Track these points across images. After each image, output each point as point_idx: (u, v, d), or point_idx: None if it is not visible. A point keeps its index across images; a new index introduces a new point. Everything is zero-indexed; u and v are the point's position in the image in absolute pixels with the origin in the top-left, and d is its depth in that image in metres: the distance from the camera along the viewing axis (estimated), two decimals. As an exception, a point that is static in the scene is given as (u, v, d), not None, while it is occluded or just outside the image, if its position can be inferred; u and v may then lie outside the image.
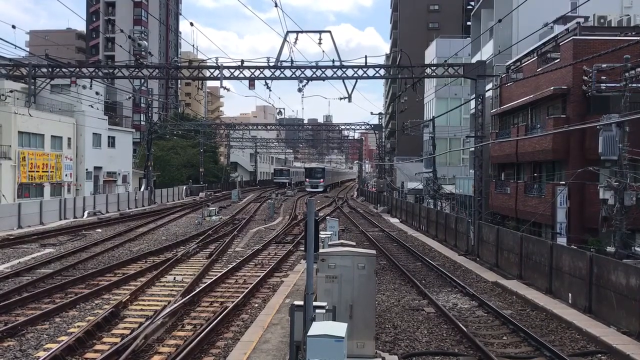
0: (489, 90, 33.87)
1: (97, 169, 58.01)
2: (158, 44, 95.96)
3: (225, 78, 27.68)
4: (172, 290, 17.77)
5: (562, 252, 17.17)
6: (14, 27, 26.77)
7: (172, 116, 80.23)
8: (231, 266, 21.55)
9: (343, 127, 77.08)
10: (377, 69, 27.76)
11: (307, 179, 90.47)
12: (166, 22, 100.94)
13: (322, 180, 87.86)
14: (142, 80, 29.73)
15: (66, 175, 52.49)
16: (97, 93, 44.30)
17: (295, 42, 34.03)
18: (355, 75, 27.24)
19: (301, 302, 8.97)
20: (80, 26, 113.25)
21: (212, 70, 28.15)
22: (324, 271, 11.04)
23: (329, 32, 26.86)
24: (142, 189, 58.43)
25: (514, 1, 34.99)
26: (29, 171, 47.07)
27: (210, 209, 43.07)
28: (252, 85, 28.16)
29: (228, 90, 65.66)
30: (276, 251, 26.38)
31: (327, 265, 11.04)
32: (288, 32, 27.13)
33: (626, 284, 13.50)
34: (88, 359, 11.61)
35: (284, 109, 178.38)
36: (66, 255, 23.77)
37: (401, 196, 59.41)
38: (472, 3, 65.14)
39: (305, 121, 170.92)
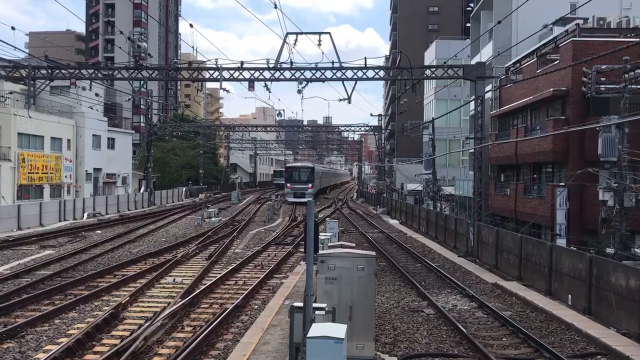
0: (488, 91, 33.86)
1: (97, 170, 58.03)
2: (157, 45, 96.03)
3: (225, 79, 27.71)
4: (172, 291, 17.77)
5: (562, 254, 17.17)
6: (13, 28, 26.87)
7: (171, 117, 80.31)
8: (231, 267, 21.55)
9: (343, 128, 76.86)
10: (376, 71, 27.77)
11: (288, 184, 62.48)
12: (166, 23, 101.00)
13: (309, 185, 61.47)
14: (142, 82, 29.76)
15: (66, 176, 52.49)
16: (96, 94, 44.41)
17: (294, 44, 33.99)
18: (355, 76, 27.24)
19: (301, 304, 8.97)
20: (80, 28, 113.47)
21: (211, 72, 28.16)
22: (323, 273, 11.04)
23: (329, 33, 26.93)
24: (141, 190, 58.41)
25: (513, 2, 35.07)
26: (29, 173, 47.06)
27: (210, 210, 43.05)
28: (251, 87, 28.16)
29: (228, 91, 65.78)
30: (276, 252, 26.35)
31: (327, 267, 11.04)
32: (287, 33, 27.16)
33: (626, 285, 13.49)
34: (87, 360, 11.61)
35: (283, 110, 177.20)
36: (66, 257, 23.74)
37: (401, 198, 59.41)
38: (472, 4, 65.14)
39: (305, 122, 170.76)
